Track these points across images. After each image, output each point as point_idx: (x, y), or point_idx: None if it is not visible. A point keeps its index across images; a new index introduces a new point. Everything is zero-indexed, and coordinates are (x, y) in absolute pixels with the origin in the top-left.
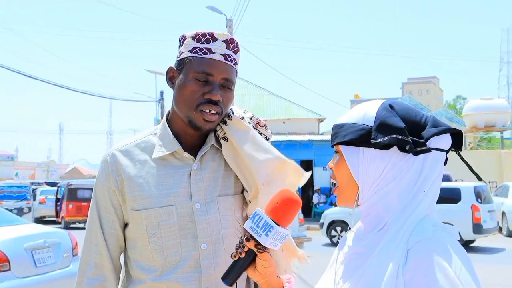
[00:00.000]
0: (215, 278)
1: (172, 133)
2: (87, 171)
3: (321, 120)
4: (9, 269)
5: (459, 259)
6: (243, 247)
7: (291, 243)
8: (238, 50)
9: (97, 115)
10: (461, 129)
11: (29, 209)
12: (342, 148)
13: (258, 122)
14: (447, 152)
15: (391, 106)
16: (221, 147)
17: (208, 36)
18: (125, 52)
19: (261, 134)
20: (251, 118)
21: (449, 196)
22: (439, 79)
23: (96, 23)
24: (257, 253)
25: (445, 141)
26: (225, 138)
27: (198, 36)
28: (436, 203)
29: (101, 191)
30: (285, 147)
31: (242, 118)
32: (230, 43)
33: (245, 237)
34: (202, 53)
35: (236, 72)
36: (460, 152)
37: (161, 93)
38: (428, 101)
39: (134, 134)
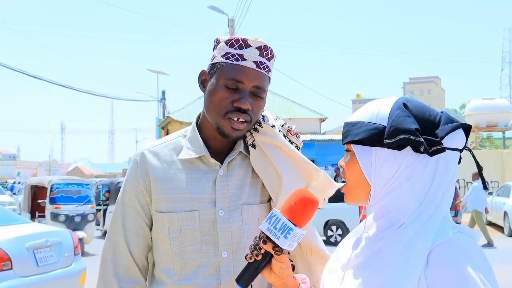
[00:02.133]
0: (233, 287)
1: (201, 137)
2: (88, 171)
3: (323, 120)
4: (11, 268)
5: (479, 262)
6: (260, 249)
7: (320, 246)
8: (272, 57)
9: (98, 115)
10: None
11: (94, 215)
12: (354, 147)
13: (290, 130)
14: (461, 151)
15: (405, 105)
16: (249, 154)
17: (241, 42)
18: (127, 51)
19: (292, 142)
20: (282, 126)
21: (340, 195)
22: (441, 79)
23: (98, 23)
24: (274, 255)
25: (460, 139)
26: (253, 146)
27: (231, 42)
28: (329, 201)
29: (130, 191)
30: None
31: (273, 126)
32: (264, 50)
33: (262, 239)
34: (234, 59)
35: (269, 79)
36: (473, 152)
37: (163, 92)
38: (430, 101)
39: (135, 133)
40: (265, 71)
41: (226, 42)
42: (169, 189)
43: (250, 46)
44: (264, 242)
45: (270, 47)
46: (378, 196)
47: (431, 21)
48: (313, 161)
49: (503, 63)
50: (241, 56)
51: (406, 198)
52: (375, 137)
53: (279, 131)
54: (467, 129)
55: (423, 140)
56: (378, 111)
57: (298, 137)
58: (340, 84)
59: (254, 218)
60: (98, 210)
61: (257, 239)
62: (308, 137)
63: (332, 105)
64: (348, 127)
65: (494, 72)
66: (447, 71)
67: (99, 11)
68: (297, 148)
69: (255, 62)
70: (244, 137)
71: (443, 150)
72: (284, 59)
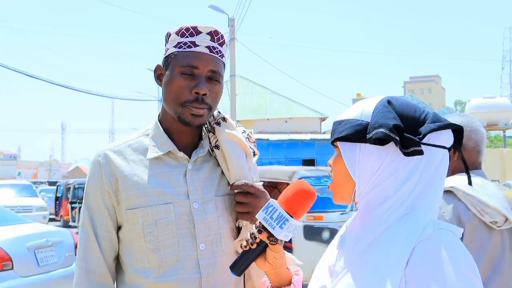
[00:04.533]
0: (214, 279)
1: (164, 131)
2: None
3: (323, 119)
4: (12, 268)
5: (459, 257)
6: (255, 238)
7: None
8: (223, 42)
9: (99, 114)
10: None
11: None
12: (339, 144)
13: (249, 138)
14: (449, 149)
15: (389, 102)
16: (214, 153)
17: (191, 29)
18: (127, 51)
19: (250, 148)
20: (242, 133)
21: None
22: (441, 77)
23: (97, 22)
24: (269, 245)
25: (446, 137)
26: (217, 146)
27: (182, 31)
28: None
29: (93, 193)
30: (287, 146)
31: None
32: (214, 35)
33: (257, 228)
34: (187, 47)
35: (224, 64)
36: (461, 150)
37: None
38: (430, 99)
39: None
40: (219, 56)
41: (177, 33)
42: (140, 185)
43: (200, 32)
44: (260, 232)
45: (220, 32)
46: (362, 193)
47: (432, 20)
48: (313, 160)
49: (503, 62)
50: (193, 42)
51: (389, 194)
52: (359, 133)
53: None
54: (458, 130)
55: (398, 138)
56: (363, 108)
57: (255, 145)
58: (341, 83)
59: (227, 209)
60: (73, 208)
61: (253, 228)
62: (309, 136)
63: (333, 104)
64: (335, 126)
65: (494, 71)
66: (447, 70)
67: (99, 11)
68: (254, 154)
69: (208, 47)
70: (208, 137)
71: (420, 152)
72: (284, 58)
